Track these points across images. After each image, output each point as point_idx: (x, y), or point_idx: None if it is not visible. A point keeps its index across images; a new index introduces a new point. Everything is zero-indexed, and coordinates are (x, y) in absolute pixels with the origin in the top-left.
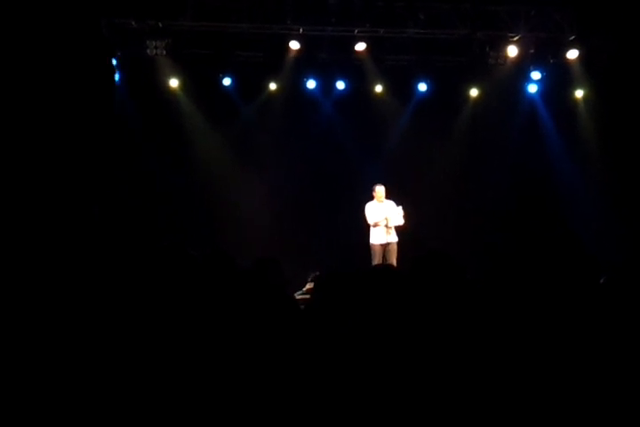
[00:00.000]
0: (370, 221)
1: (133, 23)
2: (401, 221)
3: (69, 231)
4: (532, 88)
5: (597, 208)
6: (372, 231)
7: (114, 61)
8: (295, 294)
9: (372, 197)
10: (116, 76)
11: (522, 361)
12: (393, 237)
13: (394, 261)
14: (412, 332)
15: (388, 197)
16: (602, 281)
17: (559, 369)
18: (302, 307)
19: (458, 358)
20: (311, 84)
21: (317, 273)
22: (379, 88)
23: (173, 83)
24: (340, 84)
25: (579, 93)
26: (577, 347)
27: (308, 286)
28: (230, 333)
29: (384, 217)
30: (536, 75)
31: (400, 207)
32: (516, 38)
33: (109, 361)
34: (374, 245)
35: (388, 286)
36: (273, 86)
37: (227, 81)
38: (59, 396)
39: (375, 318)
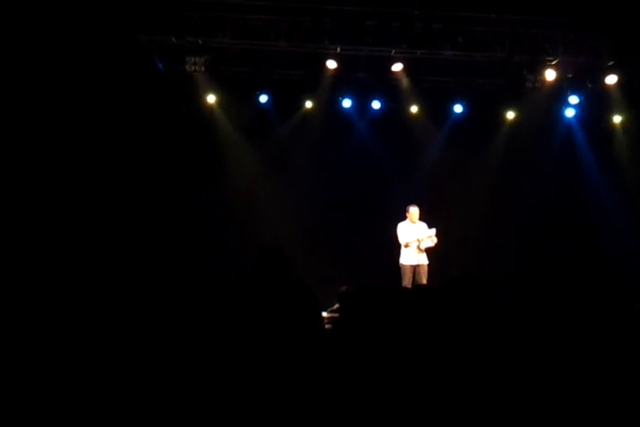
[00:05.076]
0: (402, 241)
1: (174, 39)
2: (432, 244)
3: None
4: (570, 112)
5: (635, 235)
6: (403, 252)
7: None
8: (323, 313)
9: (404, 217)
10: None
11: (546, 379)
12: (424, 259)
13: (424, 283)
14: (435, 352)
15: (421, 218)
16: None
17: (587, 391)
18: (330, 326)
19: (480, 378)
20: (347, 103)
21: (345, 288)
22: (414, 109)
23: (211, 99)
24: (376, 104)
25: (617, 119)
26: (607, 372)
27: (337, 304)
28: (256, 350)
29: (416, 238)
30: (573, 99)
31: (433, 229)
32: (554, 62)
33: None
34: (404, 266)
35: (417, 304)
36: (309, 105)
37: (263, 98)
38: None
39: (400, 338)
